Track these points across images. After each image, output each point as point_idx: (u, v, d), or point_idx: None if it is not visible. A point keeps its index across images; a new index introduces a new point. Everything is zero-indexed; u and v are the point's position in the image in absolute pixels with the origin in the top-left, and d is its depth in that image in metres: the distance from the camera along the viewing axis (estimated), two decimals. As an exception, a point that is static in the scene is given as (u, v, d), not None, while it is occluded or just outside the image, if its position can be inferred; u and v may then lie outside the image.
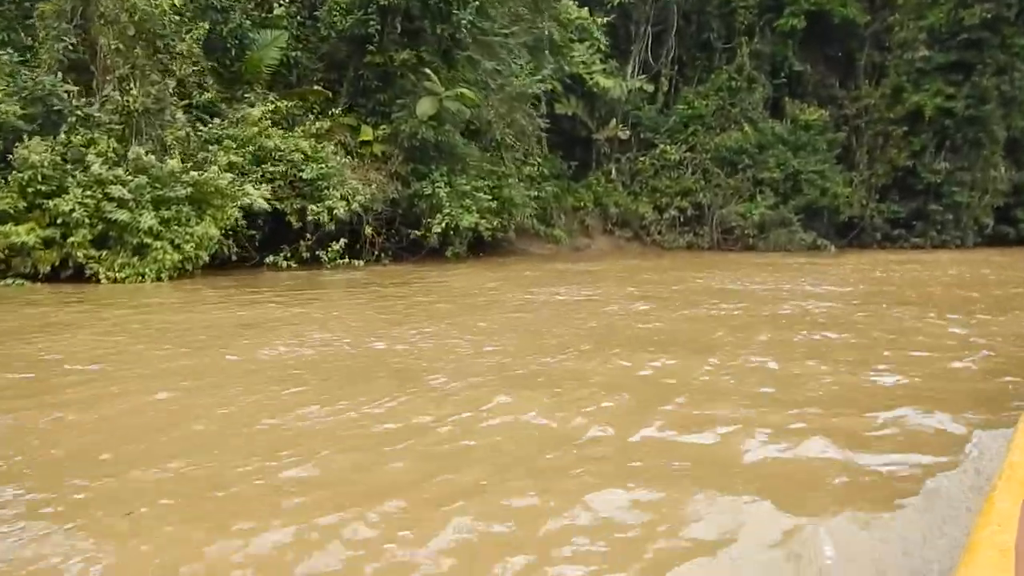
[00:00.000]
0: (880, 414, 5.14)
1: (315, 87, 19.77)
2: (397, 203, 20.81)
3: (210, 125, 15.93)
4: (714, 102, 32.10)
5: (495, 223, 21.92)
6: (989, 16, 30.20)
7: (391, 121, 21.00)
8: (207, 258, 14.89)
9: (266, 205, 15.33)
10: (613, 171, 32.61)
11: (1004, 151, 32.76)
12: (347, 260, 17.90)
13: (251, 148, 15.92)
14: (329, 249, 17.66)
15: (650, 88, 32.75)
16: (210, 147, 15.43)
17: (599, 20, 31.49)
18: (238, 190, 15.08)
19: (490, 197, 21.45)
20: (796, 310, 10.44)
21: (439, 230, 19.96)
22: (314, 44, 21.30)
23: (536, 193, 28.69)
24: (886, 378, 6.25)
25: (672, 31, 33.29)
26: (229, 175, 14.87)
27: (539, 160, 30.78)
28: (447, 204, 20.21)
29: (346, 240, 18.02)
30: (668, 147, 32.06)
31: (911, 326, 8.97)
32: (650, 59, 33.64)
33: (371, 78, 21.21)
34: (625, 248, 31.18)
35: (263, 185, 15.90)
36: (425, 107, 20.15)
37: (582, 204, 31.16)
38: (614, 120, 32.27)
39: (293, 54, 20.23)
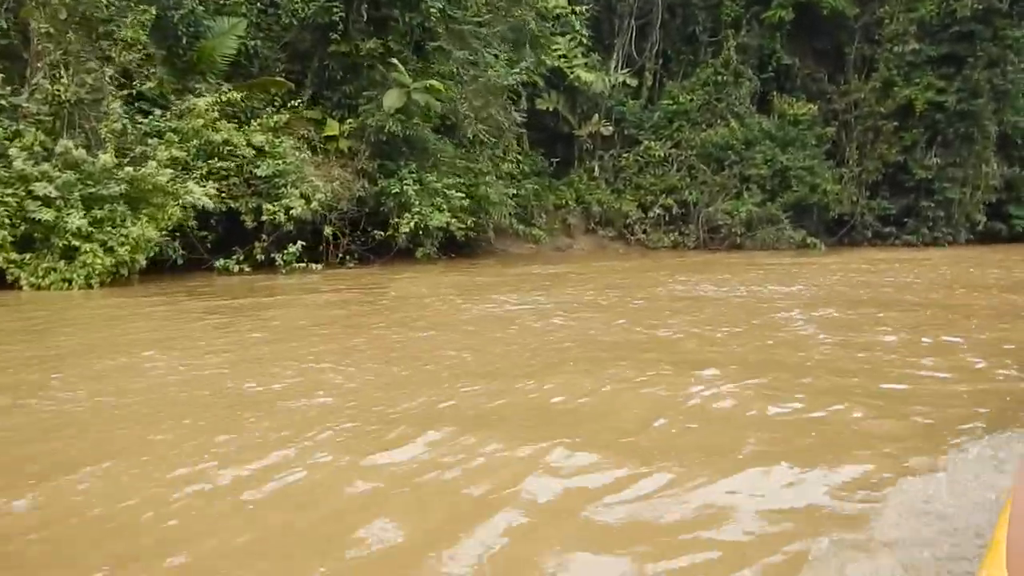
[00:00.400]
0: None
1: (276, 78, 18.31)
2: (364, 202, 19.40)
3: (151, 117, 14.47)
4: (700, 97, 30.78)
5: (468, 222, 20.52)
6: (981, 8, 28.96)
7: (358, 115, 19.60)
8: (144, 262, 13.43)
9: (210, 203, 13.90)
10: (596, 168, 31.26)
11: (995, 146, 31.61)
12: (305, 264, 16.41)
13: (196, 142, 14.48)
14: (285, 252, 16.22)
15: (633, 83, 31.39)
16: (150, 141, 13.98)
17: (580, 10, 30.15)
18: (180, 187, 13.64)
19: (463, 195, 20.05)
20: (761, 327, 8.84)
21: (407, 230, 18.56)
22: (276, 33, 19.87)
23: (515, 191, 27.33)
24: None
25: (656, 24, 31.94)
26: (169, 171, 13.42)
27: (519, 157, 29.47)
28: (416, 203, 18.80)
29: (303, 243, 16.56)
30: (652, 143, 30.73)
31: (888, 361, 6.96)
32: (634, 53, 32.29)
33: (336, 69, 19.79)
34: (608, 248, 29.85)
35: (209, 182, 14.46)
36: (392, 100, 18.75)
37: (564, 202, 29.80)
38: (596, 116, 30.91)
39: (252, 43, 18.78)
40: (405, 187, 18.80)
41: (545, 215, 29.52)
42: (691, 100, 30.72)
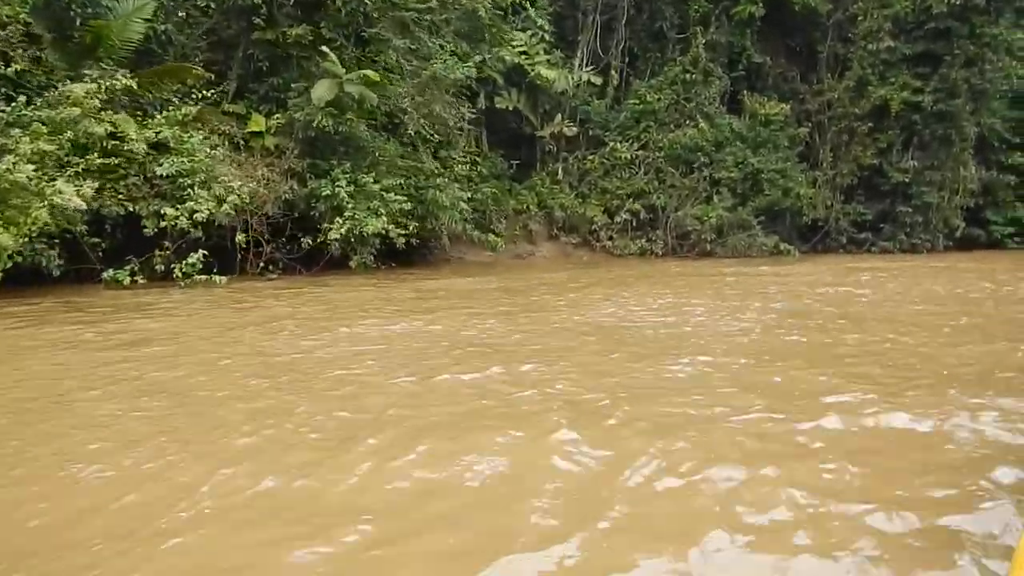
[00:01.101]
0: None
1: (186, 65, 15.94)
2: (293, 205, 17.10)
3: (14, 105, 12.10)
4: (668, 96, 28.72)
5: (411, 228, 18.26)
6: (958, 4, 27.13)
7: (287, 109, 17.33)
8: (-1, 273, 11.04)
9: (83, 204, 11.55)
10: (560, 171, 29.12)
11: (972, 149, 29.85)
12: (208, 276, 13.96)
13: (70, 135, 12.14)
14: (184, 262, 13.84)
15: (598, 81, 29.30)
16: (13, 132, 11.63)
17: (542, 4, 28.06)
18: (47, 186, 11.29)
19: (405, 199, 17.78)
20: (672, 385, 6.00)
21: (337, 236, 16.26)
22: (195, 18, 17.55)
23: (471, 195, 25.13)
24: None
25: (622, 20, 29.87)
26: (31, 167, 11.05)
27: (476, 158, 27.28)
28: (349, 206, 16.53)
29: (207, 252, 14.16)
30: (619, 145, 28.64)
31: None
32: (599, 50, 30.20)
33: (262, 58, 17.53)
34: (572, 255, 27.70)
35: (87, 181, 12.10)
36: (321, 91, 16.48)
37: (525, 207, 27.62)
38: (559, 115, 28.80)
39: (163, 27, 16.45)
40: (337, 189, 16.52)
41: (505, 220, 27.33)
42: (659, 99, 28.66)
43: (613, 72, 30.10)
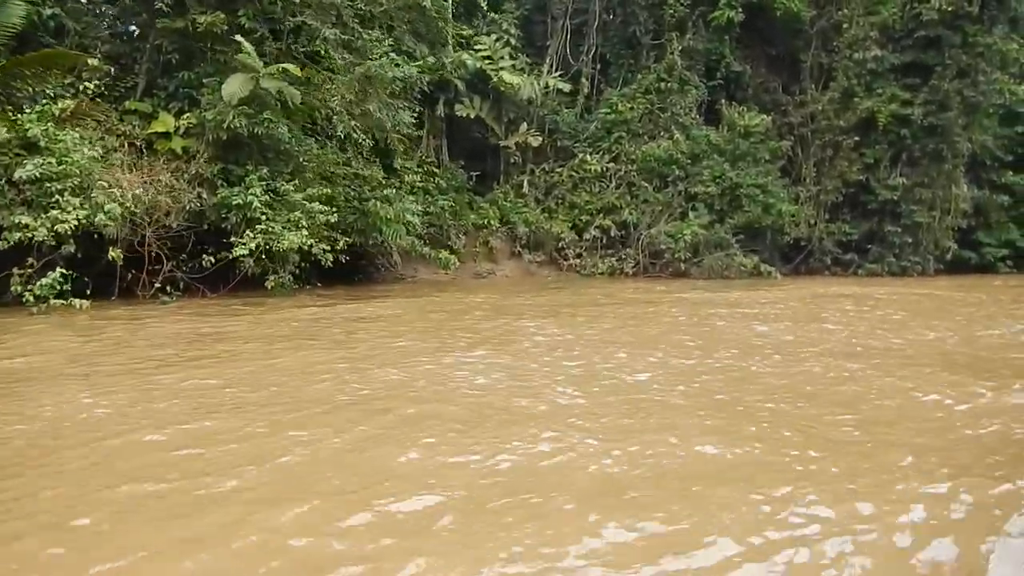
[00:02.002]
0: None
1: (64, 51, 13.66)
2: (203, 216, 14.90)
3: None
4: (641, 105, 26.71)
5: (342, 244, 16.07)
6: (949, 11, 25.25)
7: (201, 108, 15.15)
8: None
9: None
10: (525, 184, 27.02)
11: (964, 166, 27.94)
12: (68, 301, 11.59)
13: None
14: (39, 283, 11.55)
15: (566, 87, 27.26)
16: None
17: (508, 6, 26.07)
18: None
19: (332, 209, 15.57)
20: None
21: (245, 253, 14.03)
22: (96, 3, 15.37)
23: (425, 208, 22.99)
24: None
25: (594, 25, 27.91)
26: None
27: (434, 169, 25.17)
28: (263, 218, 14.33)
29: (65, 271, 11.79)
30: (588, 157, 26.59)
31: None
32: (569, 57, 28.23)
33: (171, 50, 15.34)
34: (536, 274, 25.55)
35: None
36: (233, 87, 14.28)
37: (486, 222, 25.50)
38: (524, 124, 26.74)
39: (50, 13, 14.25)
40: (251, 198, 14.31)
41: (464, 236, 25.22)
42: (631, 109, 26.64)
43: (584, 80, 28.10)
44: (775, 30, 27.20)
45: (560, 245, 26.02)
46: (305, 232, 14.51)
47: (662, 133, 26.67)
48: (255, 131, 14.56)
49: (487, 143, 27.42)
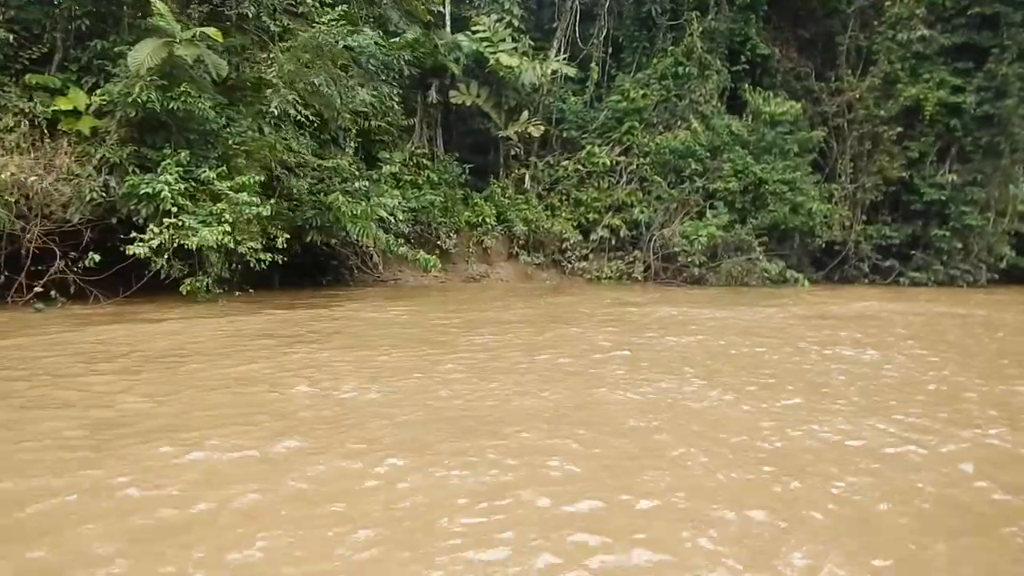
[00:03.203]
0: None
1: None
2: (113, 208, 12.74)
3: None
4: (656, 92, 24.13)
5: (280, 241, 13.76)
6: (1008, -14, 22.42)
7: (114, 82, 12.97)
8: None
9: None
10: (527, 179, 24.58)
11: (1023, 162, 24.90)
12: None
13: None
14: None
15: (571, 71, 24.74)
16: None
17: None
18: None
19: (265, 202, 13.25)
20: None
21: (144, 252, 11.79)
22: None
23: (411, 204, 20.70)
24: None
25: (606, 4, 25.40)
26: None
27: (424, 160, 22.84)
28: (175, 210, 12.10)
29: None
30: (596, 149, 24.07)
31: None
32: (578, 40, 25.73)
33: (81, 15, 13.18)
34: (535, 278, 23.08)
35: None
36: (141, 55, 12.07)
37: (480, 219, 23.11)
38: (526, 113, 24.29)
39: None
40: (159, 186, 12.08)
41: (456, 235, 22.85)
42: (645, 96, 24.06)
43: (594, 65, 25.54)
44: (808, 9, 24.55)
45: (564, 246, 23.53)
46: (227, 227, 12.21)
47: (679, 123, 24.07)
48: (169, 107, 12.32)
49: (489, 135, 25.06)
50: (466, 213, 23.20)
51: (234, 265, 13.14)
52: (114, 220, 12.69)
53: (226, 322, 10.39)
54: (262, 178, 12.99)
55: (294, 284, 18.19)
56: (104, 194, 12.44)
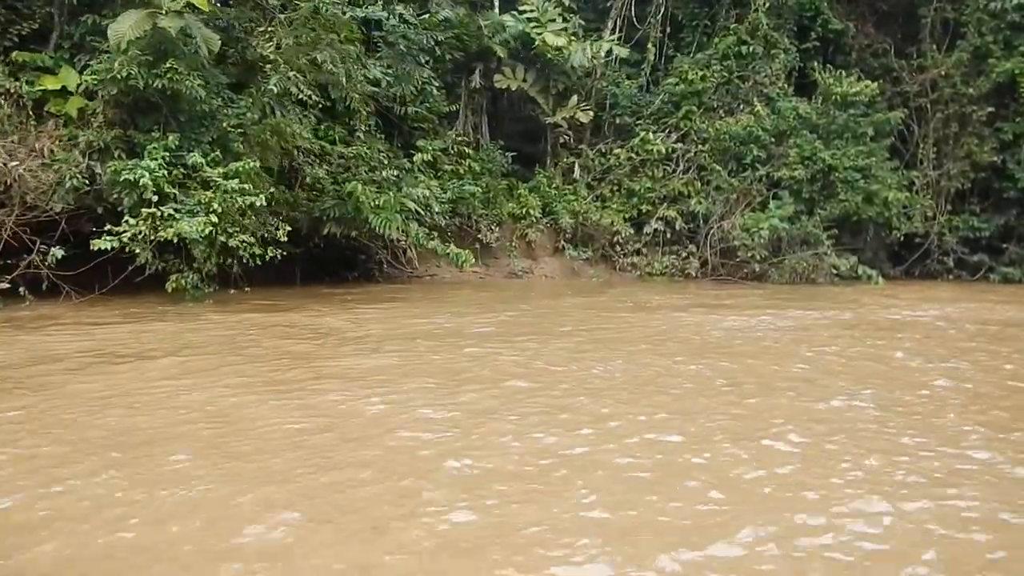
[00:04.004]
0: None
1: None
2: (101, 197, 11.70)
3: None
4: (717, 74, 22.14)
5: (281, 233, 12.53)
6: (1121, -54, 19.65)
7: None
8: None
9: None
10: (576, 168, 22.91)
11: None
12: None
13: None
14: None
15: (624, 51, 22.93)
16: None
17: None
18: None
19: (260, 190, 11.99)
20: None
21: (110, 245, 10.67)
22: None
23: (449, 194, 19.34)
24: None
25: (663, -20, 23.53)
26: None
27: (466, 149, 21.43)
28: (154, 197, 10.96)
29: None
30: (651, 135, 22.23)
31: None
32: (634, 19, 23.88)
33: (72, -13, 12.20)
34: (582, 274, 21.44)
35: None
36: (123, 27, 10.98)
37: (525, 211, 21.58)
38: (575, 97, 22.63)
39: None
40: (140, 172, 10.95)
41: (498, 228, 21.39)
42: (705, 78, 22.12)
43: (650, 46, 23.65)
44: (887, -21, 22.11)
45: (614, 240, 21.78)
46: (213, 218, 11.00)
47: (741, 107, 22.07)
48: (155, 85, 11.18)
49: (539, 123, 23.50)
50: (510, 205, 21.72)
51: (229, 260, 11.92)
52: (100, 210, 11.62)
53: (167, 326, 9.15)
54: (257, 164, 11.71)
55: (317, 280, 17.03)
56: (87, 181, 11.37)
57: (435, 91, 20.41)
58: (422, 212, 17.26)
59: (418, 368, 7.05)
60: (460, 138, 21.91)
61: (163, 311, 10.41)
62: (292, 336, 8.64)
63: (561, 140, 23.04)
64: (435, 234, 18.16)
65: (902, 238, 21.25)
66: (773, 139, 21.07)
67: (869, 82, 20.86)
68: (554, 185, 22.34)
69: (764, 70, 21.97)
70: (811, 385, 6.55)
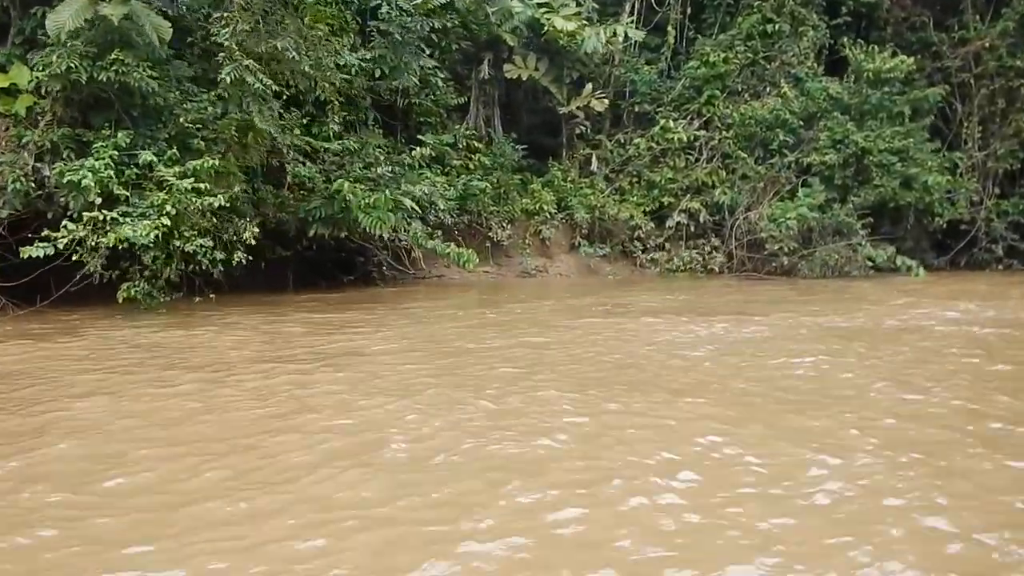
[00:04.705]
0: None
1: None
2: (53, 201, 10.78)
3: None
4: (742, 56, 20.61)
5: (248, 235, 11.46)
6: None
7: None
8: None
9: None
10: (593, 160, 21.54)
11: None
12: None
13: None
14: None
15: (640, 35, 21.49)
16: None
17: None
18: None
19: (217, 191, 10.88)
20: None
21: (43, 253, 9.68)
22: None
23: (456, 190, 18.20)
24: None
25: (683, -41, 22.02)
26: None
27: (474, 143, 20.25)
28: (96, 199, 9.98)
29: None
30: (672, 123, 20.78)
31: None
32: (653, 1, 22.42)
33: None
34: (599, 271, 20.08)
35: None
36: (62, 17, 10.02)
37: (538, 207, 20.31)
38: (589, 86, 21.26)
39: None
40: (82, 174, 9.98)
41: (510, 225, 20.15)
42: (728, 60, 20.60)
43: (670, 28, 22.18)
44: (925, -54, 20.33)
45: (635, 235, 20.38)
46: (164, 221, 9.97)
47: (767, 89, 20.51)
48: (99, 78, 10.20)
49: (558, 114, 22.20)
50: (523, 200, 20.47)
51: (192, 266, 10.88)
52: (51, 215, 10.68)
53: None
54: (216, 162, 10.62)
55: (313, 284, 15.98)
56: (33, 185, 10.44)
57: (440, 82, 19.28)
58: (420, 210, 16.11)
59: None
60: (470, 132, 20.76)
61: (77, 325, 9.36)
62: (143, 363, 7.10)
63: (577, 131, 21.70)
64: (439, 233, 17.04)
65: (945, 225, 19.47)
66: (802, 122, 19.51)
67: (904, 57, 19.12)
68: (570, 179, 21.02)
69: (791, 49, 20.38)
70: (669, 432, 4.86)
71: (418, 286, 17.26)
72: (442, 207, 17.59)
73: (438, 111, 19.81)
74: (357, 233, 15.01)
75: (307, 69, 11.15)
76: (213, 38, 10.95)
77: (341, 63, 13.03)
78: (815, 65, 20.37)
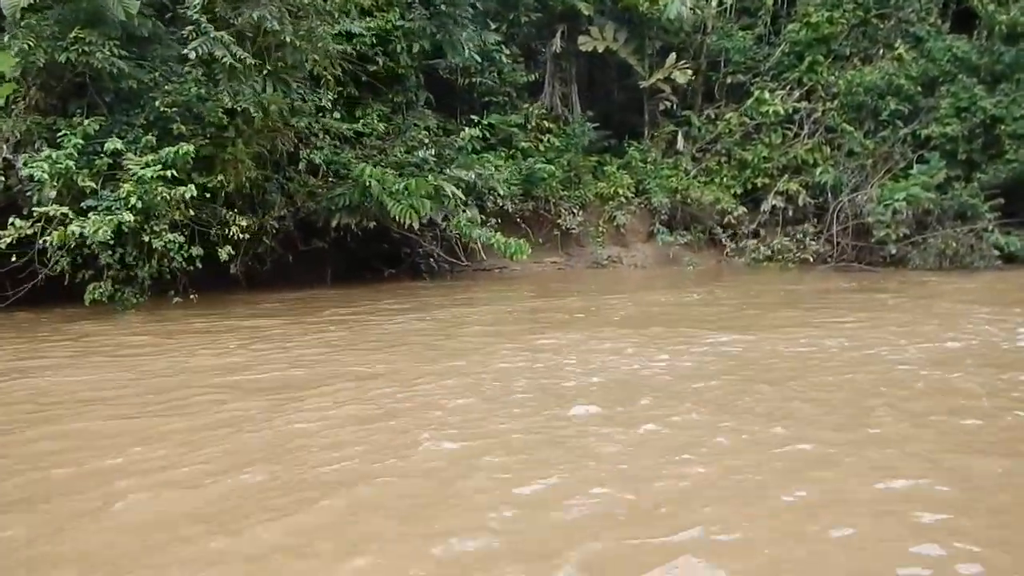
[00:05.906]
0: None
1: None
2: (23, 194, 9.94)
3: None
4: (850, 15, 17.81)
5: (235, 230, 10.23)
6: None
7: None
8: None
9: None
10: (679, 138, 19.24)
11: None
12: None
13: None
14: None
15: (731, -1, 18.97)
16: None
17: None
18: None
19: (178, 178, 9.61)
20: None
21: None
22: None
23: (502, 175, 16.41)
24: None
25: (785, -92, 19.23)
26: None
27: (547, 122, 18.49)
28: (52, 191, 8.99)
29: None
30: (768, 94, 18.18)
31: None
32: (750, -40, 19.76)
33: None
34: (678, 261, 17.78)
35: None
36: (16, -7, 9.07)
37: (613, 191, 18.29)
38: (673, 55, 18.93)
39: None
40: (36, 166, 9.01)
41: (581, 211, 18.27)
42: (834, 21, 17.80)
43: (768, -11, 19.49)
44: None
45: (724, 221, 18.01)
46: (128, 216, 8.86)
47: (880, 52, 17.56)
48: (60, 59, 9.20)
49: (628, 85, 20.11)
50: (599, 184, 18.52)
51: (165, 263, 9.77)
52: (26, 210, 9.81)
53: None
54: (188, 148, 9.40)
55: (356, 278, 14.71)
56: (3, 177, 9.60)
57: (504, 58, 17.62)
58: (467, 197, 14.55)
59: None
60: (543, 111, 18.99)
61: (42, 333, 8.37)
62: None
63: (662, 107, 19.44)
64: (491, 221, 15.47)
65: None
66: (920, 89, 16.51)
67: (1050, 7, 15.75)
68: (649, 160, 18.83)
69: (911, 4, 17.34)
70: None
71: (465, 280, 15.66)
72: (502, 192, 16.00)
73: (504, 90, 18.19)
74: (392, 223, 13.59)
75: (289, 40, 9.68)
76: (180, 10, 9.70)
77: (334, 32, 11.45)
78: (939, 21, 17.23)
